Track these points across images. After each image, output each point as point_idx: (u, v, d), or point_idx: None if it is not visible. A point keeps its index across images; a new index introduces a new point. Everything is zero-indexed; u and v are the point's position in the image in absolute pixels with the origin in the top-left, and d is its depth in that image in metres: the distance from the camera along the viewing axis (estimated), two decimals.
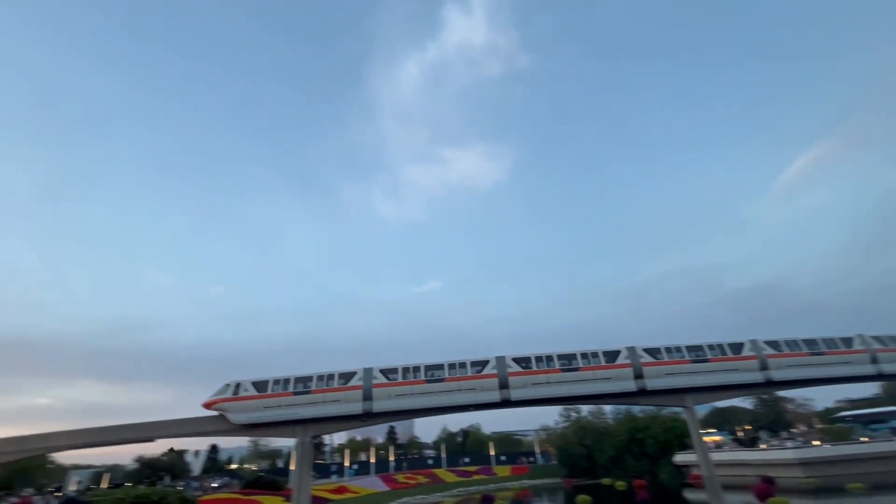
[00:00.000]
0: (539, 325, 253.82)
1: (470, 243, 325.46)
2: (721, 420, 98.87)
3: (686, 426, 43.31)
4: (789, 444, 57.59)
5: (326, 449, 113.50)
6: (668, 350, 37.67)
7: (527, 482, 79.80)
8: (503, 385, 36.41)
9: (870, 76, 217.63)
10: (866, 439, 58.08)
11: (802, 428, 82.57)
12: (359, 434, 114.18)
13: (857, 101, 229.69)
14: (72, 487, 72.47)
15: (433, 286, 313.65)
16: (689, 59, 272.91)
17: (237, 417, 36.81)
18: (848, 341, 38.97)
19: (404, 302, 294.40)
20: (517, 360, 37.20)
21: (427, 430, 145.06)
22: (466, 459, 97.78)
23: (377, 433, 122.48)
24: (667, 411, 68.35)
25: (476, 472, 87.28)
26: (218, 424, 37.65)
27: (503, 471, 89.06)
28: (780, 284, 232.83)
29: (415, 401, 36.34)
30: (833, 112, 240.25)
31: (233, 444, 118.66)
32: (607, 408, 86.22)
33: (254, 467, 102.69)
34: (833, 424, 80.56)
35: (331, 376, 37.21)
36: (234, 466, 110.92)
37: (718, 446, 69.91)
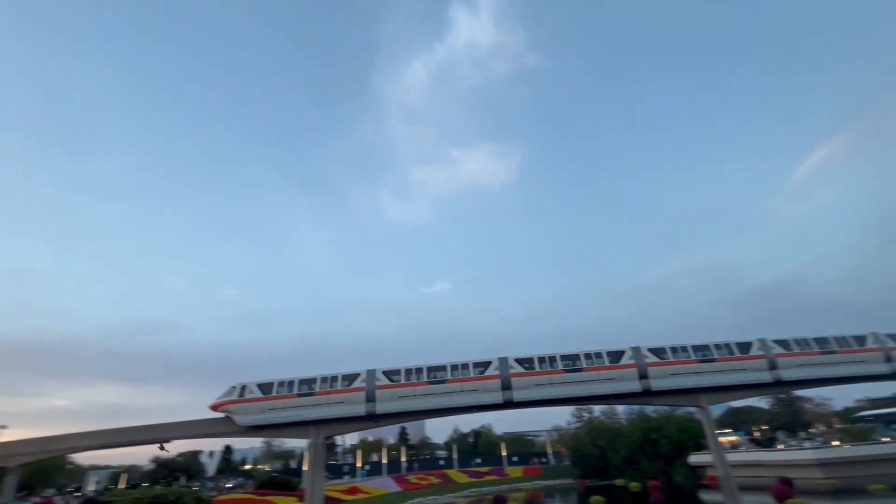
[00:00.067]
0: (549, 326, 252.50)
1: (479, 244, 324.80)
2: (737, 420, 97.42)
3: (701, 426, 42.74)
4: (808, 444, 56.48)
5: (339, 450, 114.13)
6: (674, 350, 37.17)
7: (539, 483, 79.39)
8: (506, 386, 36.33)
9: (888, 68, 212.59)
10: (888, 439, 56.71)
11: (821, 428, 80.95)
12: (370, 435, 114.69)
13: (874, 93, 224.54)
14: (90, 488, 73.93)
15: (442, 287, 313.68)
16: (698, 55, 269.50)
17: (243, 419, 37.24)
18: (861, 339, 38.02)
19: (414, 303, 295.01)
20: (520, 361, 37.07)
21: (438, 430, 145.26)
22: (478, 460, 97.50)
23: (389, 434, 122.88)
24: (681, 411, 67.47)
25: (488, 473, 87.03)
26: (230, 426, 38.17)
27: (515, 471, 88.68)
28: (796, 282, 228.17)
29: (417, 402, 36.47)
30: (850, 105, 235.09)
31: (246, 445, 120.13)
32: (620, 408, 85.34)
33: (267, 468, 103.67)
34: (853, 424, 78.85)
35: (334, 378, 37.51)
36: (247, 467, 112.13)
37: (734, 447, 68.86)
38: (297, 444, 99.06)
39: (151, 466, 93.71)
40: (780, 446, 62.33)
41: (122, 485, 77.58)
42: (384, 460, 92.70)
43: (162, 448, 39.75)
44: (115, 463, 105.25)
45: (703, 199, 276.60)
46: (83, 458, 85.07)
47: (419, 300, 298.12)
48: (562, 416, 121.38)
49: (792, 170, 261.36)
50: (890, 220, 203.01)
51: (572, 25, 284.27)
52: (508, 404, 36.81)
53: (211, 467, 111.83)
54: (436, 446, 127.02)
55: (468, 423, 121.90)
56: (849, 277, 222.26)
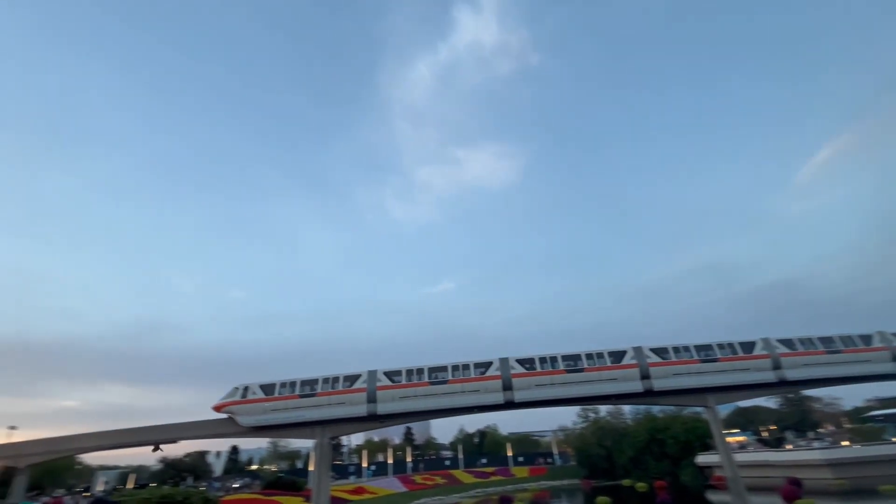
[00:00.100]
0: (552, 326, 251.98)
1: (483, 244, 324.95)
2: (745, 420, 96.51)
3: (708, 426, 42.43)
4: (817, 444, 55.90)
5: (344, 450, 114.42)
6: (676, 350, 36.95)
7: (545, 483, 79.12)
8: (507, 387, 36.32)
9: (894, 64, 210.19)
10: None
11: (830, 428, 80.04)
12: (376, 435, 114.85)
13: (880, 90, 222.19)
14: (99, 488, 74.57)
15: (446, 287, 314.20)
16: (703, 52, 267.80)
17: (245, 420, 37.46)
18: (867, 338, 37.54)
19: (418, 303, 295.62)
20: (521, 362, 37.03)
21: (444, 430, 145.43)
22: (484, 460, 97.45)
23: (394, 434, 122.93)
24: (687, 411, 67.03)
25: (493, 473, 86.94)
26: (234, 426, 38.46)
27: (521, 472, 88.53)
28: (801, 282, 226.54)
29: (419, 403, 36.57)
30: (856, 102, 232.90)
31: (253, 446, 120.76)
32: (626, 408, 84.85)
33: (273, 468, 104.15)
34: (863, 424, 77.99)
35: (336, 379, 37.68)
36: (254, 467, 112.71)
37: (742, 447, 68.29)
38: (303, 444, 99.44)
39: (159, 467, 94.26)
40: (789, 446, 61.74)
41: (130, 485, 78.21)
42: (390, 460, 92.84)
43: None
44: (122, 463, 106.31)
45: (707, 199, 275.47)
46: (92, 458, 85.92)
47: (423, 300, 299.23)
48: (567, 417, 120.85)
49: (797, 168, 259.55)
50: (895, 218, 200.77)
51: (576, 24, 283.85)
52: (509, 405, 36.81)
53: (218, 468, 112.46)
54: (441, 446, 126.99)
55: (474, 423, 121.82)
56: (853, 277, 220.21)
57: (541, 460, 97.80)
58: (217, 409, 38.10)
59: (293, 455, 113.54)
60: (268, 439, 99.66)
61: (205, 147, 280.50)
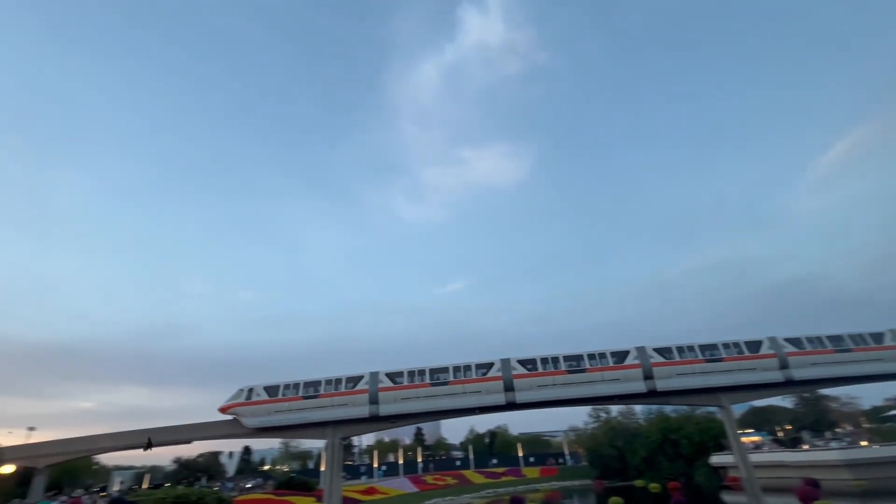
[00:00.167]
0: (562, 326, 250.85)
1: (493, 243, 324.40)
2: (759, 420, 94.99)
3: (722, 426, 41.87)
4: (834, 444, 54.86)
5: (355, 450, 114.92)
6: (681, 350, 36.57)
7: (556, 484, 78.66)
8: (508, 387, 36.28)
9: None
10: None
11: (848, 427, 78.48)
12: (387, 435, 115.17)
13: None
14: (115, 487, 75.71)
15: (456, 287, 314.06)
16: (713, 46, 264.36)
17: (250, 421, 37.87)
18: (878, 337, 36.67)
19: (427, 304, 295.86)
20: (522, 362, 36.97)
21: (454, 431, 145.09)
22: (494, 461, 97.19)
23: (405, 434, 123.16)
24: (701, 411, 66.26)
25: (504, 474, 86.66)
26: (241, 427, 38.92)
27: (532, 472, 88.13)
28: (817, 279, 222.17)
29: (420, 404, 36.76)
30: (874, 92, 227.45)
31: (265, 446, 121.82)
32: (638, 408, 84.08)
33: (285, 468, 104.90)
34: (882, 424, 76.34)
35: (339, 380, 38.02)
36: (266, 467, 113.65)
37: (757, 447, 67.27)
38: (314, 444, 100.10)
39: (173, 467, 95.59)
40: (806, 447, 60.68)
41: (145, 485, 79.30)
42: (400, 461, 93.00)
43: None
44: (137, 463, 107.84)
45: (720, 195, 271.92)
46: (107, 458, 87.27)
47: (432, 301, 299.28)
48: (579, 417, 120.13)
49: (813, 161, 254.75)
50: None
51: (583, 21, 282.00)
52: (511, 406, 36.83)
53: (231, 468, 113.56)
54: (452, 447, 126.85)
55: (484, 423, 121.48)
56: (871, 273, 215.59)
57: (552, 461, 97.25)
58: (223, 410, 38.63)
59: (305, 455, 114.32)
60: (279, 440, 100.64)
61: (213, 150, 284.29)
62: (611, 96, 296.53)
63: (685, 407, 58.93)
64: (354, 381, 37.77)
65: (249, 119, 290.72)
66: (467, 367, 37.23)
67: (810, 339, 36.56)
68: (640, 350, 36.74)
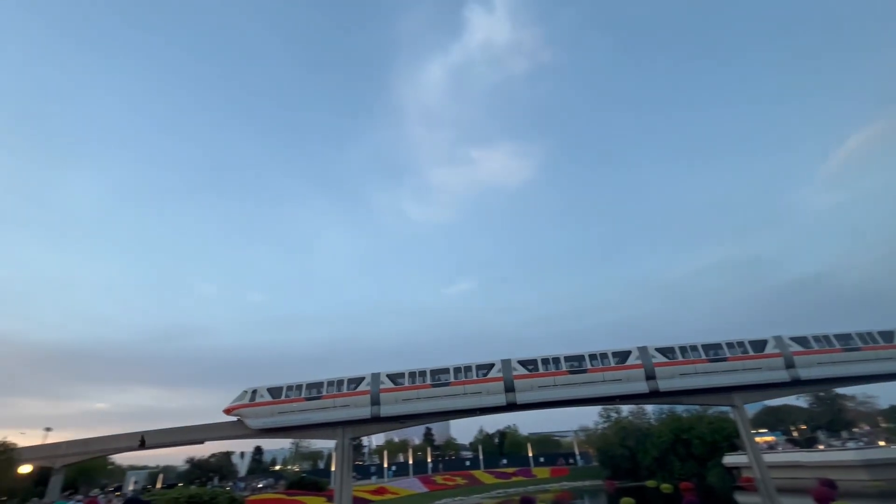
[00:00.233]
0: (570, 325, 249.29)
1: (502, 243, 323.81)
2: (774, 420, 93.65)
3: (735, 426, 41.34)
4: (851, 444, 53.94)
5: (365, 450, 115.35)
6: (683, 349, 36.13)
7: (567, 484, 78.28)
8: (509, 388, 36.21)
9: None
10: None
11: (865, 427, 77.07)
12: (396, 436, 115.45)
13: None
14: (130, 487, 76.83)
15: (465, 287, 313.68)
16: (722, 42, 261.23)
17: (254, 423, 38.22)
18: (888, 335, 35.82)
19: (436, 304, 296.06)
20: (523, 363, 36.87)
21: (464, 431, 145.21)
22: (504, 461, 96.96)
23: (414, 434, 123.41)
24: (713, 410, 65.46)
25: (514, 474, 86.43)
26: (246, 428, 39.27)
27: (542, 472, 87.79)
28: (831, 276, 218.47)
29: (421, 405, 36.82)
30: (891, 86, 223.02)
31: (276, 446, 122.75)
32: (649, 407, 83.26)
33: (296, 468, 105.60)
34: None
35: (341, 382, 38.25)
36: (277, 467, 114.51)
37: (771, 447, 66.38)
38: (324, 444, 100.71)
39: (186, 467, 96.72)
40: (821, 447, 59.76)
41: (158, 485, 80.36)
42: (410, 461, 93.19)
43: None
44: (151, 463, 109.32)
45: (731, 192, 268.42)
46: (122, 458, 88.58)
47: (441, 301, 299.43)
48: (589, 417, 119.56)
49: (825, 158, 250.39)
50: None
51: (589, 19, 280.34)
52: (512, 406, 36.75)
53: (242, 468, 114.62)
54: (461, 447, 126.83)
55: (493, 423, 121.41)
56: (887, 270, 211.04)
57: (562, 461, 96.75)
58: (227, 412, 39.09)
59: (315, 455, 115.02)
60: (290, 440, 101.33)
61: (222, 153, 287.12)
62: (617, 94, 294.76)
63: (697, 406, 58.24)
64: (356, 382, 38.02)
65: (258, 123, 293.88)
66: (468, 368, 37.27)
67: (817, 338, 35.94)
68: (642, 350, 36.44)
